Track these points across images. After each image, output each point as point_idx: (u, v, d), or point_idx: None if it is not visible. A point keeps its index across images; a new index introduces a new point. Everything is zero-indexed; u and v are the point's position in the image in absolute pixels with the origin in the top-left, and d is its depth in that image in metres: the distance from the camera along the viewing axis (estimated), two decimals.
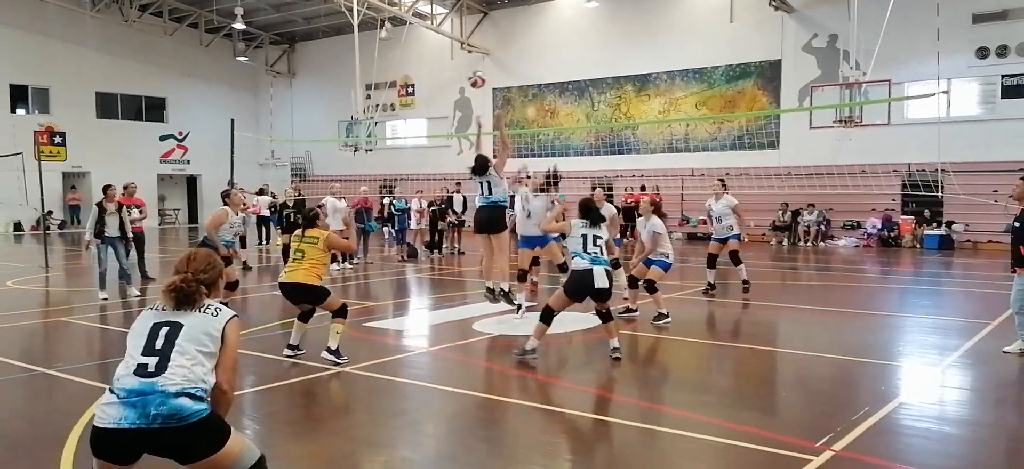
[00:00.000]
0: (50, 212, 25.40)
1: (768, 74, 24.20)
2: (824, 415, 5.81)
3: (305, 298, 7.46)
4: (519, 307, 9.86)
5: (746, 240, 12.70)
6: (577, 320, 9.51)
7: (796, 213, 23.23)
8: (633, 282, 10.05)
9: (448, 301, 11.93)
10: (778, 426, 5.72)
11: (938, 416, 5.95)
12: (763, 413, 6.03)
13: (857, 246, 21.78)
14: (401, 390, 6.82)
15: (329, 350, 7.34)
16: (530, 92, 29.00)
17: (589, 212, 7.62)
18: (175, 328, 3.24)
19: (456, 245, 19.91)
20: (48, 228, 21.29)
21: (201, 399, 3.15)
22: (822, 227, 22.53)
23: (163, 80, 33.52)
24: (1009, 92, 20.81)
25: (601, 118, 27.20)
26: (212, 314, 3.32)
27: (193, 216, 34.59)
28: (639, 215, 10.48)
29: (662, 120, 25.77)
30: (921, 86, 20.55)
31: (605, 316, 7.49)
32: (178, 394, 3.09)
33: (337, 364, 7.18)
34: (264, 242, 21.78)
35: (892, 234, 21.81)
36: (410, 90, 32.16)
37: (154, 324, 3.26)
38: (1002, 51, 20.78)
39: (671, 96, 25.95)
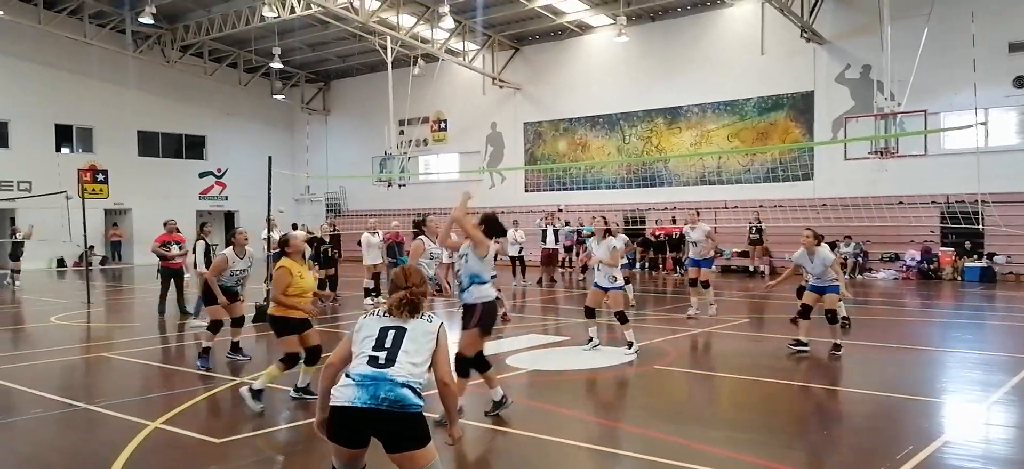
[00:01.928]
0: (92, 248, 25.95)
1: (800, 105, 24.05)
2: (866, 454, 5.69)
3: (274, 330, 7.29)
4: (590, 341, 10.00)
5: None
6: (607, 357, 9.47)
7: (832, 245, 22.88)
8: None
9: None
10: (819, 466, 5.61)
11: (984, 455, 5.80)
12: (803, 452, 5.93)
13: (896, 279, 21.39)
14: (429, 424, 6.81)
15: (297, 388, 7.25)
16: (561, 126, 29.13)
17: (494, 228, 7.06)
18: (400, 331, 3.81)
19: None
20: (90, 264, 21.75)
21: (418, 394, 3.68)
22: (859, 259, 22.19)
23: (203, 119, 34.30)
24: None
25: (632, 151, 27.21)
26: (428, 320, 3.89)
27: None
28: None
29: (694, 153, 25.70)
30: (958, 116, 20.27)
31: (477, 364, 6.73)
32: (403, 385, 3.63)
33: (305, 399, 7.09)
34: None
35: (932, 266, 21.40)
36: (442, 125, 32.50)
37: (382, 327, 3.83)
38: None
39: (703, 129, 25.89)
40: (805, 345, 9.71)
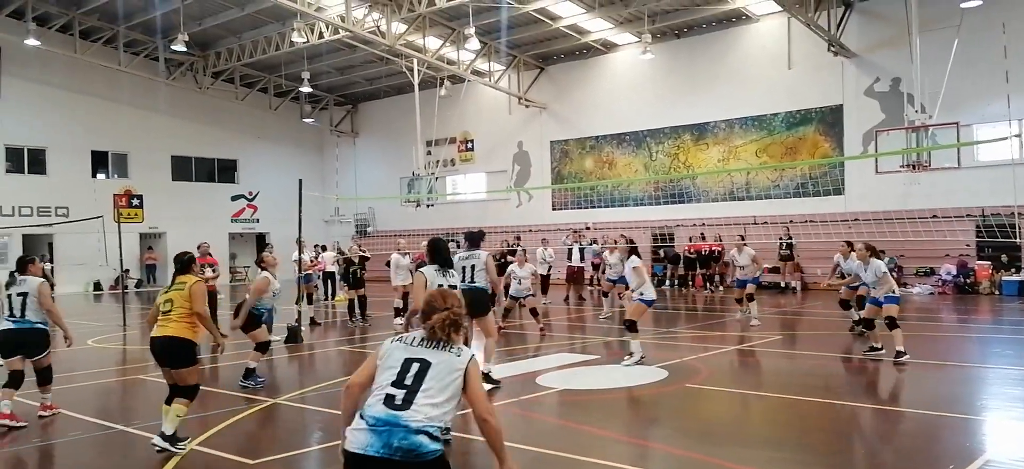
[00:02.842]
0: (127, 271, 26.41)
1: (829, 119, 23.83)
2: None
3: (170, 356, 6.57)
4: (630, 355, 10.24)
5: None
6: (638, 375, 9.41)
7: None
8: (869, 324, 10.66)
9: (511, 354, 11.91)
10: None
11: None
12: None
13: (932, 293, 21.02)
14: (464, 446, 6.82)
15: (163, 436, 6.36)
16: (588, 144, 29.15)
17: (437, 255, 7.65)
18: (424, 366, 3.51)
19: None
20: (126, 288, 22.13)
21: (437, 438, 3.41)
22: (894, 274, 21.81)
23: (234, 143, 34.85)
24: None
25: (659, 168, 27.12)
26: (456, 354, 3.58)
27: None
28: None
29: (721, 169, 25.55)
30: (991, 128, 19.94)
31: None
32: (418, 431, 3.36)
33: (174, 451, 6.32)
34: (329, 298, 22.17)
35: (968, 280, 21.00)
36: (469, 145, 32.68)
37: (406, 359, 3.54)
38: None
39: (730, 144, 25.74)
40: (879, 348, 10.47)
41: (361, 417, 3.46)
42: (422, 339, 3.61)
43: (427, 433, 3.39)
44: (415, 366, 3.52)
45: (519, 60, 29.54)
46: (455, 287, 7.05)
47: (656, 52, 25.80)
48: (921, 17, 18.86)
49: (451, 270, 7.58)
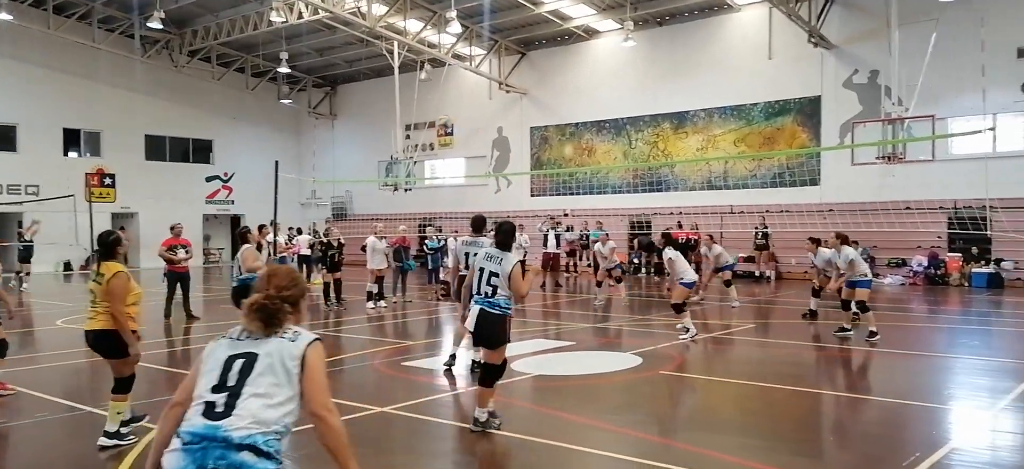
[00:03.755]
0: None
1: (808, 110, 23.98)
2: (873, 460, 5.65)
3: (100, 350, 6.13)
4: (686, 330, 11.25)
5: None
6: (612, 362, 9.44)
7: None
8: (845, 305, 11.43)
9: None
10: None
11: (991, 463, 5.76)
12: (807, 458, 5.90)
13: (903, 284, 21.29)
14: (439, 431, 6.81)
15: (107, 434, 6.02)
16: (567, 130, 29.13)
17: (495, 235, 6.66)
18: (250, 360, 2.86)
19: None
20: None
21: (268, 455, 2.73)
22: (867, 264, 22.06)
23: (210, 123, 34.43)
24: None
25: (639, 156, 27.18)
26: (290, 339, 2.93)
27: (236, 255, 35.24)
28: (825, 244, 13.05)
29: (700, 158, 25.65)
30: (966, 121, 20.17)
31: (479, 379, 6.50)
32: (241, 446, 2.69)
33: (119, 445, 6.03)
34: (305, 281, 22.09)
35: (939, 272, 21.30)
36: (449, 130, 32.54)
37: (229, 356, 2.89)
38: None
39: (709, 133, 25.84)
40: (849, 330, 11.20)
41: (177, 436, 2.79)
42: (242, 333, 2.96)
43: (253, 449, 2.70)
44: (238, 363, 2.86)
45: (500, 45, 29.41)
46: (497, 274, 6.37)
47: (638, 40, 25.79)
48: (900, 10, 19.00)
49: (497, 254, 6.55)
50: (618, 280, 16.94)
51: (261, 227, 13.83)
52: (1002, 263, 20.54)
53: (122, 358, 6.04)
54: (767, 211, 23.32)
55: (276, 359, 2.87)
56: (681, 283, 11.58)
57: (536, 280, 8.54)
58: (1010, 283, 20.33)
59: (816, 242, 13.16)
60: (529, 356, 9.96)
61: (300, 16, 24.85)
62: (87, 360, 10.63)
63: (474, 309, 6.42)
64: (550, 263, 21.62)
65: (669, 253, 11.88)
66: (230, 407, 2.76)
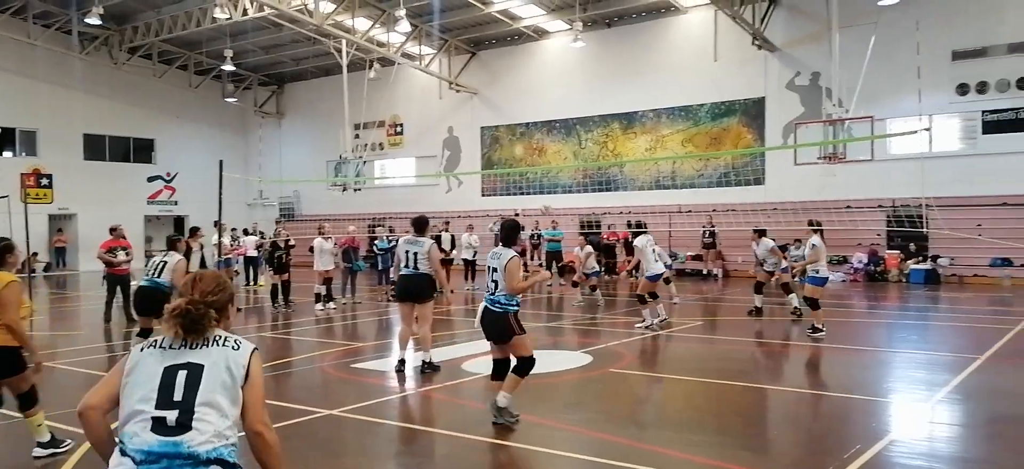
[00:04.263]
0: (36, 255, 25.17)
1: (752, 111, 24.47)
2: (816, 453, 5.78)
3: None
4: (661, 320, 12.25)
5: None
6: (563, 360, 9.49)
7: (783, 247, 23.30)
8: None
9: (437, 340, 11.84)
10: (770, 464, 5.69)
11: (929, 453, 5.94)
12: (754, 452, 6.00)
13: (844, 281, 21.86)
14: (391, 433, 6.75)
15: (41, 444, 5.80)
16: (518, 130, 29.18)
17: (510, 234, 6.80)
18: (195, 370, 2.71)
19: (445, 283, 19.83)
20: (33, 271, 21.09)
21: (234, 467, 2.69)
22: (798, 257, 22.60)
23: (151, 122, 33.54)
24: (990, 127, 21.09)
25: (588, 156, 27.38)
26: (233, 347, 2.82)
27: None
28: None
29: (648, 158, 25.96)
30: (903, 122, 20.82)
31: (511, 368, 6.55)
32: (209, 461, 2.61)
33: (55, 454, 5.83)
34: (251, 283, 21.64)
35: (878, 269, 21.94)
36: (399, 129, 32.31)
37: (167, 367, 2.72)
38: (982, 87, 21.09)
39: (657, 134, 26.18)
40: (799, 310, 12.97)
41: (123, 453, 2.62)
42: (174, 341, 2.79)
43: (221, 462, 2.63)
44: (182, 374, 2.70)
45: (450, 44, 29.32)
46: (496, 269, 6.48)
47: (587, 40, 25.98)
48: (841, 14, 19.52)
49: (497, 251, 6.62)
50: (593, 289, 16.72)
51: (194, 230, 13.42)
52: (938, 260, 21.25)
53: (15, 375, 5.62)
54: (714, 210, 23.71)
55: (222, 368, 2.75)
56: (647, 276, 12.26)
57: (539, 279, 8.64)
58: (946, 279, 21.04)
59: (760, 233, 14.16)
60: (481, 356, 9.94)
61: (244, 13, 24.35)
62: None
63: (481, 307, 6.65)
64: None
65: (638, 242, 12.72)
66: (185, 422, 2.63)
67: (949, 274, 21.21)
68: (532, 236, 24.95)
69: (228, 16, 24.15)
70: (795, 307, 13.54)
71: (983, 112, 21.18)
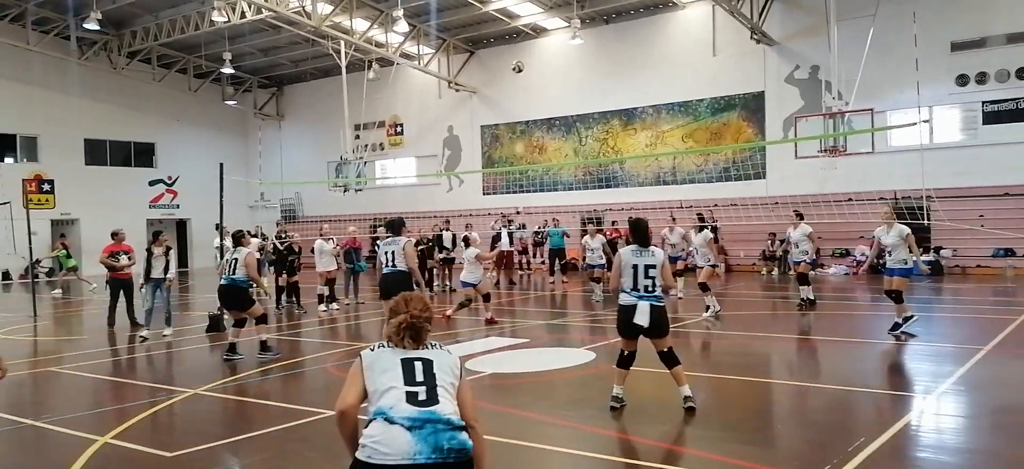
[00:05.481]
0: (38, 261, 25.20)
1: (752, 106, 24.46)
2: (821, 446, 5.79)
3: None
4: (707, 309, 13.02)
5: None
6: (566, 358, 9.49)
7: (783, 241, 23.32)
8: None
9: (440, 339, 11.85)
10: (775, 459, 5.69)
11: (935, 445, 5.95)
12: (759, 446, 6.01)
13: (847, 274, 21.85)
14: None
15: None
16: (518, 128, 29.18)
17: (636, 234, 6.96)
18: (427, 362, 3.21)
19: (447, 282, 19.87)
20: (36, 277, 21.12)
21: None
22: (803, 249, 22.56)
23: (152, 126, 33.57)
24: (990, 118, 21.09)
25: (589, 153, 27.38)
26: (447, 352, 3.32)
27: (183, 260, 34.41)
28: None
29: (649, 154, 25.96)
30: (903, 114, 20.80)
31: (667, 358, 6.99)
32: (459, 427, 3.08)
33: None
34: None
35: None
36: (399, 129, 32.32)
37: (403, 359, 3.21)
38: (981, 78, 21.08)
39: (657, 130, 26.17)
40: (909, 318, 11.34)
41: (388, 420, 3.04)
42: (393, 343, 3.32)
43: (463, 430, 3.10)
44: (419, 364, 3.20)
45: (449, 43, 29.31)
46: (653, 266, 6.76)
47: (585, 37, 25.96)
48: (839, 6, 19.50)
49: (650, 250, 6.88)
50: (596, 280, 16.63)
51: (157, 235, 13.21)
52: (941, 251, 21.24)
53: None
54: (715, 205, 23.69)
55: (446, 366, 3.25)
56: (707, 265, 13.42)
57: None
58: (949, 271, 21.02)
59: (800, 216, 14.24)
60: (484, 354, 9.96)
61: (243, 16, 24.36)
62: (28, 372, 10.30)
63: (639, 305, 6.84)
64: (504, 261, 21.64)
65: (698, 239, 14.01)
66: (433, 397, 3.10)
67: (952, 265, 21.19)
68: (536, 233, 24.98)
69: (226, 19, 24.15)
70: (802, 300, 13.57)
71: (983, 103, 21.17)
